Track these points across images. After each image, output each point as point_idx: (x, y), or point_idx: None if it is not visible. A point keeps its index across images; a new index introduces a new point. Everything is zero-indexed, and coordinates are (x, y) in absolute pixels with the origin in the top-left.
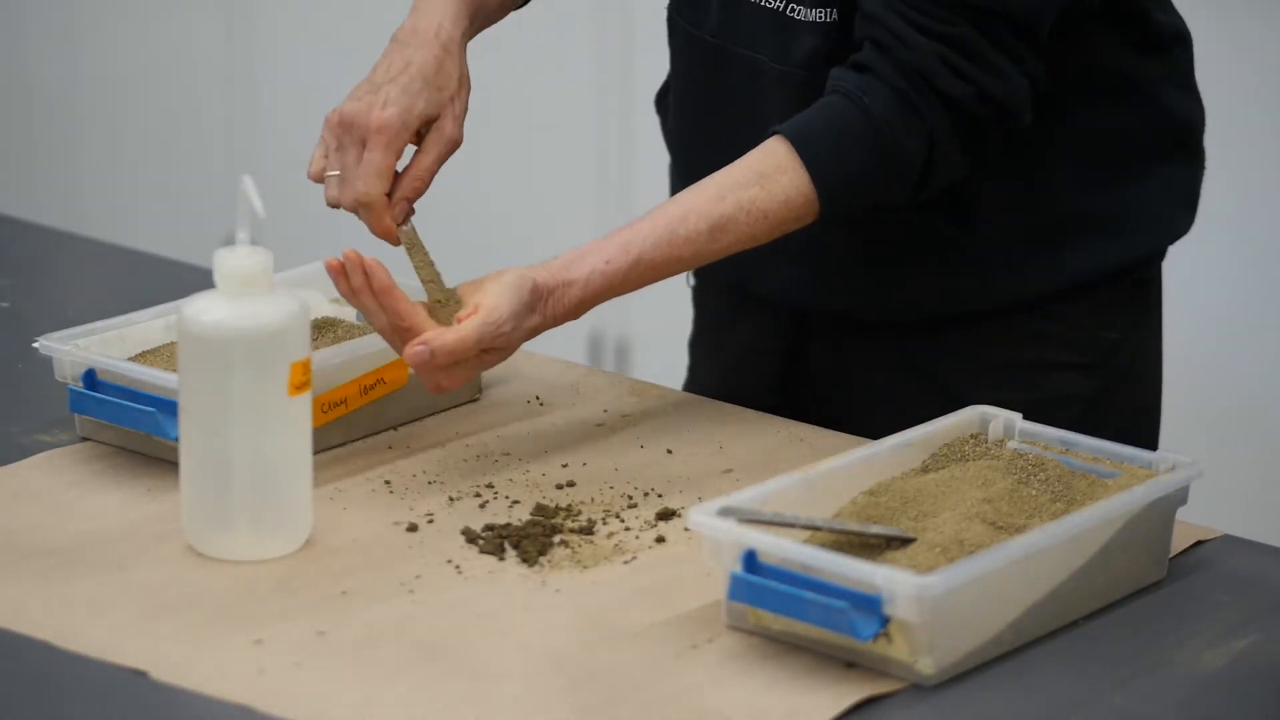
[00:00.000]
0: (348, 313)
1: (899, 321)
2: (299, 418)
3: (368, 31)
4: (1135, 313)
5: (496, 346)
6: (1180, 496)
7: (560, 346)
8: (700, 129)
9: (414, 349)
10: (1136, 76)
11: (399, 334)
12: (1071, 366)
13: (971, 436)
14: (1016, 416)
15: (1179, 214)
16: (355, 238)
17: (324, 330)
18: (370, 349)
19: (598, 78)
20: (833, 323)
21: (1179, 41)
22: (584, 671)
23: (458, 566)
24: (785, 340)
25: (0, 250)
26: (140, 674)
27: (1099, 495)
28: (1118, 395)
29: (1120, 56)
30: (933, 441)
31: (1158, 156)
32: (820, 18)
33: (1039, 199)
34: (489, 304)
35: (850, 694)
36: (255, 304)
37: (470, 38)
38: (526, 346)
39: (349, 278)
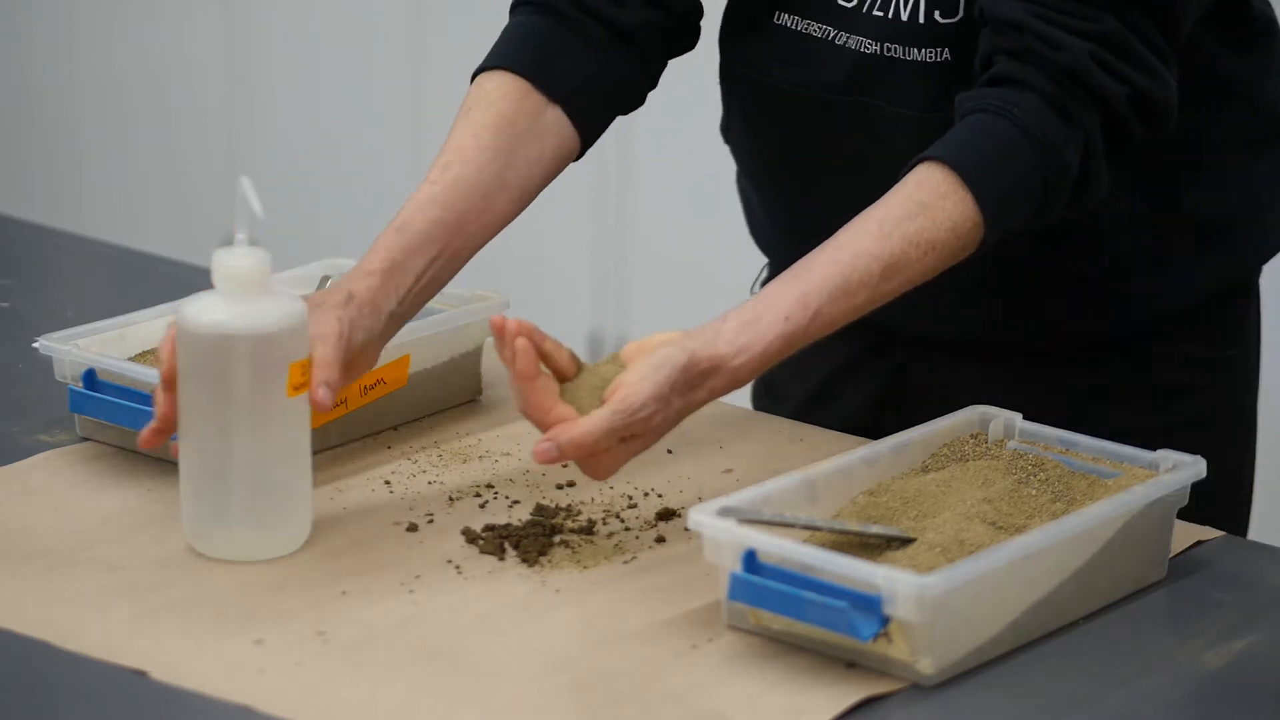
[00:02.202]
0: None
1: (1016, 347)
2: (299, 418)
3: (368, 32)
4: (1245, 326)
5: (637, 434)
6: (1180, 496)
7: None
8: (799, 177)
9: (541, 446)
10: (1235, 72)
11: (536, 423)
12: (1195, 389)
13: (971, 436)
14: (1016, 416)
15: None
16: (357, 239)
17: None
18: None
19: None
20: (943, 347)
21: (1272, 31)
22: (584, 671)
23: (458, 566)
24: (889, 364)
25: (0, 250)
26: (140, 674)
27: (1099, 495)
28: (1234, 413)
29: (1219, 53)
30: (933, 441)
31: (1260, 152)
32: (931, 58)
33: (1155, 214)
34: (625, 390)
35: (850, 694)
36: (254, 304)
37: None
38: None
39: (503, 346)
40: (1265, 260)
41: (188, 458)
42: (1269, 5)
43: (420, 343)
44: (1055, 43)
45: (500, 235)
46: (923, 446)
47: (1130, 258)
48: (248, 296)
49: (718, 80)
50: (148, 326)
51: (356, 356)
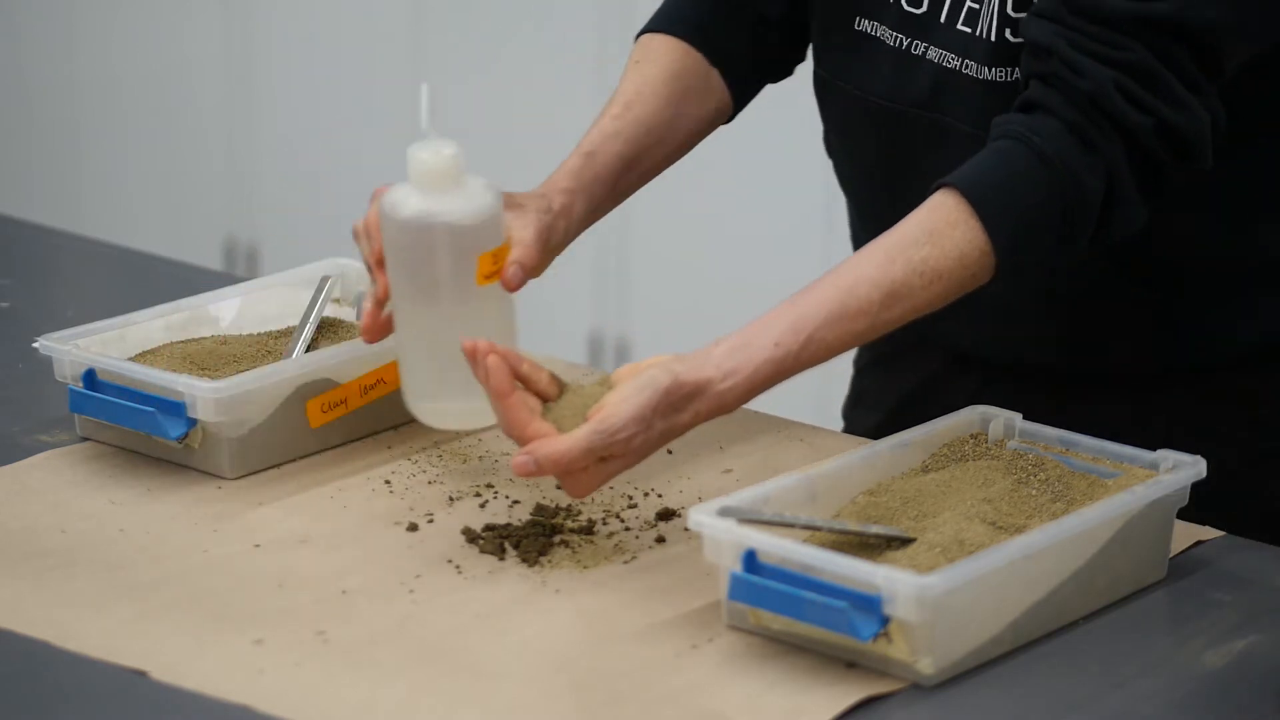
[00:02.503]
0: (348, 313)
1: (1093, 374)
2: (492, 302)
3: (368, 32)
4: None
5: (615, 454)
6: (1180, 496)
7: (560, 346)
8: (886, 192)
9: (519, 459)
10: None
11: (516, 439)
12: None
13: (971, 436)
14: (1016, 416)
15: None
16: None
17: (325, 330)
18: (370, 349)
19: (598, 79)
20: (1019, 372)
21: None
22: (584, 671)
23: (458, 566)
24: (968, 385)
25: (0, 250)
26: (140, 674)
27: (1099, 495)
28: None
29: None
30: (933, 441)
31: None
32: (1002, 76)
33: (1237, 245)
34: (607, 410)
35: (850, 694)
36: (447, 197)
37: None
38: (525, 346)
39: (475, 366)
40: None
41: (396, 333)
42: None
43: None
44: (1080, 69)
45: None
46: (923, 446)
47: (1209, 291)
48: (441, 189)
49: None
50: (148, 326)
51: (543, 258)
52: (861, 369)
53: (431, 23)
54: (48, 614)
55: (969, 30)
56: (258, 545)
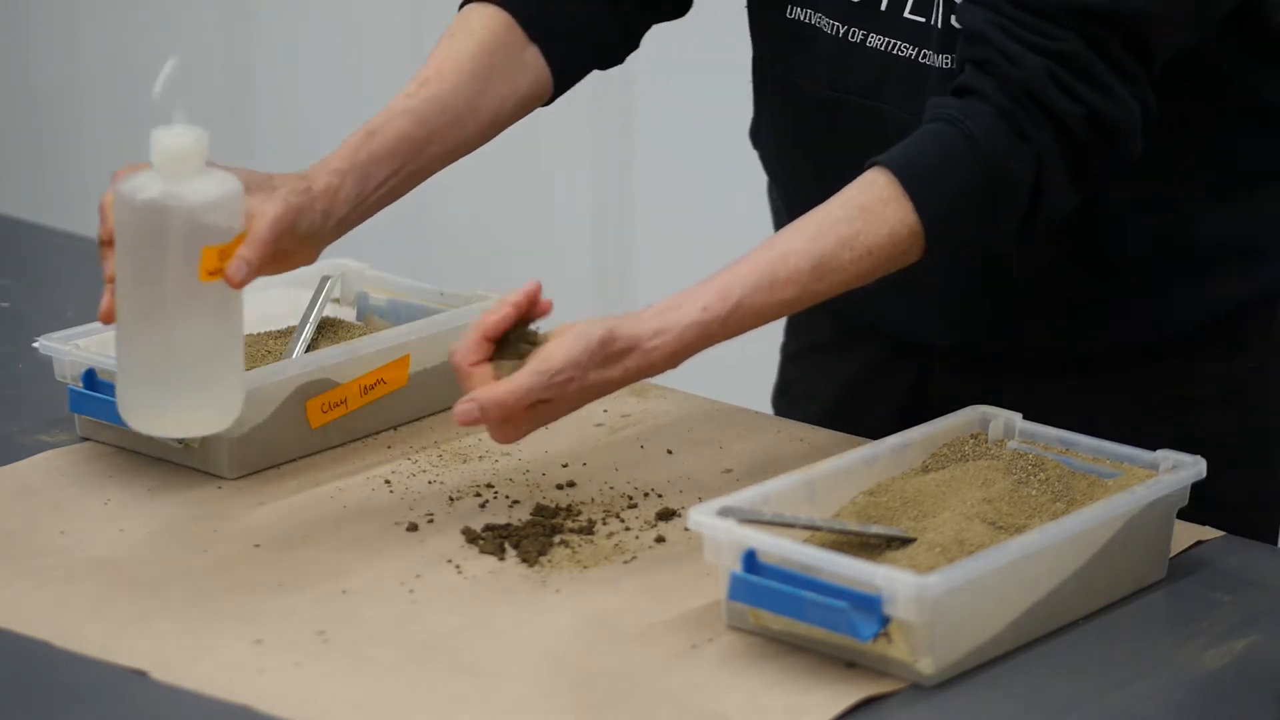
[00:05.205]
0: (348, 313)
1: (1035, 359)
2: (215, 298)
3: (367, 31)
4: (1269, 339)
5: (549, 398)
6: (1180, 496)
7: None
8: (814, 178)
9: (462, 406)
10: (1257, 89)
11: (460, 373)
12: (1212, 401)
13: (971, 436)
14: (1016, 416)
15: None
16: (358, 239)
17: (325, 330)
18: (370, 349)
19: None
20: (960, 357)
21: None
22: (584, 671)
23: (458, 566)
24: (907, 373)
25: (0, 250)
26: (140, 674)
27: (1099, 495)
28: (1255, 425)
29: (1239, 71)
30: (933, 441)
31: None
32: (947, 63)
33: (1174, 232)
34: (545, 351)
35: (850, 694)
36: (184, 183)
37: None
38: None
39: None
40: None
41: (117, 322)
42: None
43: (420, 343)
44: (1014, 58)
45: (501, 235)
46: (923, 446)
47: (1146, 275)
48: (178, 175)
49: (722, 78)
50: None
51: (295, 246)
52: (790, 357)
53: (431, 23)
54: (48, 614)
55: (921, 19)
56: (258, 545)
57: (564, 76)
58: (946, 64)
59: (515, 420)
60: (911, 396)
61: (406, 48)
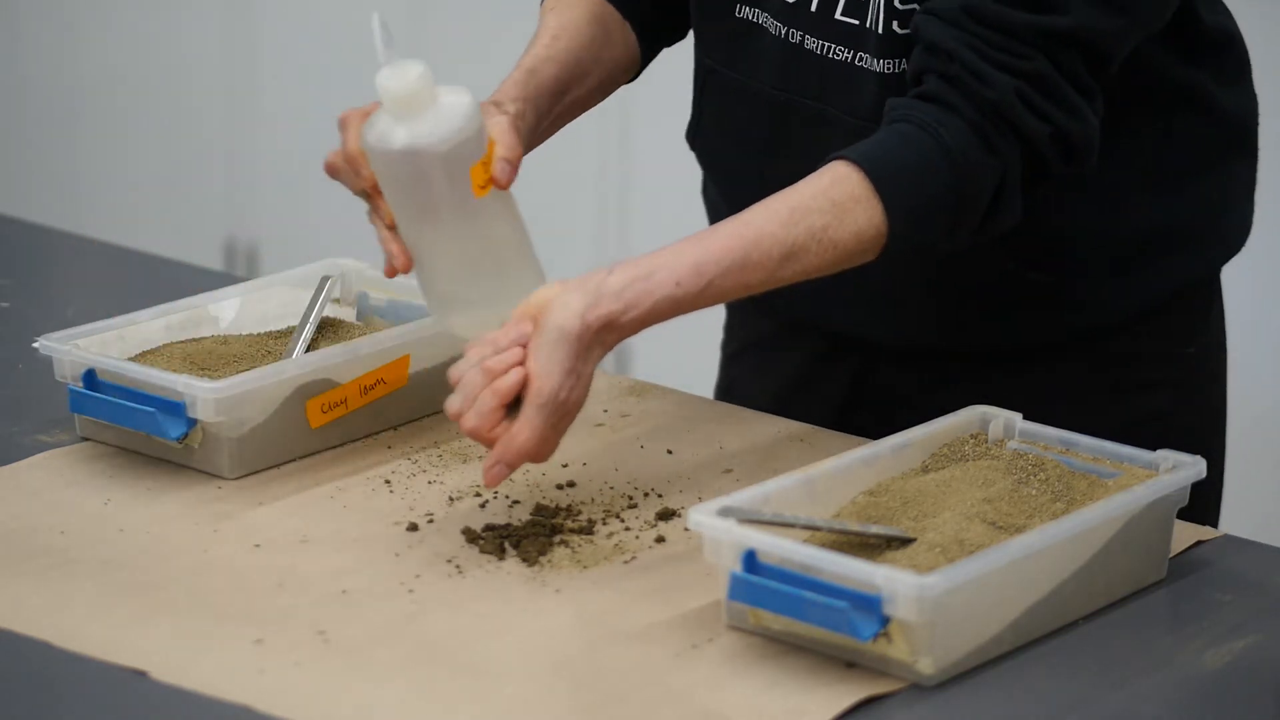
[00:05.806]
0: (348, 313)
1: (974, 351)
2: (495, 204)
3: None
4: (1207, 322)
5: (568, 412)
6: (1180, 496)
7: None
8: (757, 176)
9: (491, 472)
10: (1188, 82)
11: (483, 442)
12: (1152, 385)
13: (971, 436)
14: (1016, 416)
15: (1245, 212)
16: (357, 239)
17: (325, 330)
18: (370, 349)
19: None
20: (901, 352)
21: (1227, 40)
22: (584, 671)
23: (458, 566)
24: (849, 367)
25: (0, 250)
26: (140, 674)
27: (1099, 495)
28: (1195, 408)
29: (1170, 66)
30: (933, 441)
31: (1216, 159)
32: (889, 68)
33: (1111, 223)
34: (538, 382)
35: (850, 694)
36: (425, 119)
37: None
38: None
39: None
40: (1224, 262)
41: (413, 255)
42: (1225, 16)
43: (420, 343)
44: (984, 77)
45: None
46: (923, 447)
47: (1086, 266)
48: (416, 112)
49: None
50: (148, 326)
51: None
52: (731, 356)
53: (431, 23)
54: (48, 614)
55: (855, 21)
56: (258, 545)
57: (648, 52)
58: (889, 69)
59: (545, 447)
60: (855, 389)
61: (407, 48)
